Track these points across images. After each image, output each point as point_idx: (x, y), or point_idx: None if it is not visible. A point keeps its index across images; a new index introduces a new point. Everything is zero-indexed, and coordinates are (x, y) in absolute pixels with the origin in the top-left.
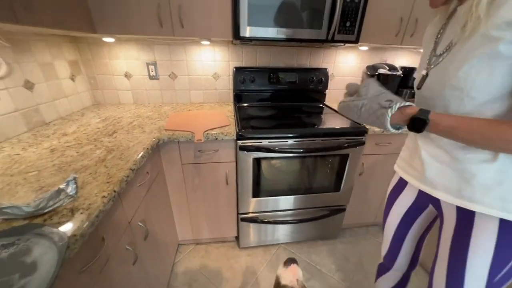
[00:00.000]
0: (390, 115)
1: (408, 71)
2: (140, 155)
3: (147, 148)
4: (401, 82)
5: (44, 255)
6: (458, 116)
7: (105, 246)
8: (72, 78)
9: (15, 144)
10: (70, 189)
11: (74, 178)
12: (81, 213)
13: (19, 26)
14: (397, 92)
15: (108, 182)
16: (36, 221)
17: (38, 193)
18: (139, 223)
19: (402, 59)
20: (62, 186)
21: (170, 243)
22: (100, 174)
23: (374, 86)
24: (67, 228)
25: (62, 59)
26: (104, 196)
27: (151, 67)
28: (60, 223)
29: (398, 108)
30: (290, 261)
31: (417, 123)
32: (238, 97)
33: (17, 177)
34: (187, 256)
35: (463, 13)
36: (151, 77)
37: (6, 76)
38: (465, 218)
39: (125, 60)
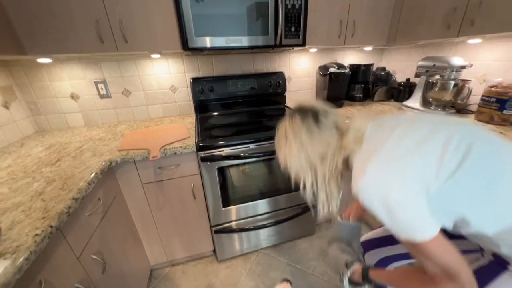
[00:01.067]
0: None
1: (356, 68)
2: (87, 181)
3: (96, 173)
4: (351, 79)
5: None
6: (390, 272)
7: None
8: (6, 106)
9: None
10: None
11: None
12: (5, 258)
13: None
14: (349, 88)
15: (43, 218)
16: None
17: None
18: (93, 256)
19: (349, 57)
20: None
21: (140, 269)
22: (35, 210)
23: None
24: None
25: None
26: (36, 235)
27: (101, 85)
28: None
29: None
30: (284, 280)
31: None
32: (199, 108)
33: None
34: (163, 280)
35: None
36: (101, 96)
37: None
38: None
39: (69, 81)
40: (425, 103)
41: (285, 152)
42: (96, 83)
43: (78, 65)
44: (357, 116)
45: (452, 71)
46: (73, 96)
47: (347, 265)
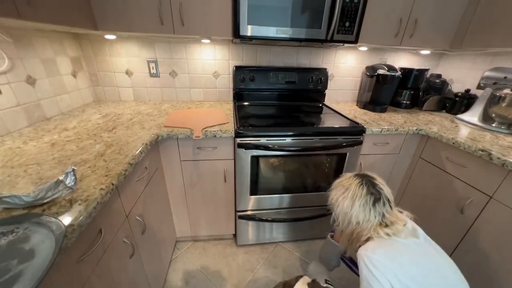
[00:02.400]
0: None
1: (407, 72)
2: (139, 150)
3: (146, 144)
4: (400, 83)
5: (42, 243)
6: None
7: (103, 237)
8: (74, 75)
9: (16, 138)
10: (69, 181)
11: (73, 170)
12: (79, 204)
13: (21, 21)
14: (396, 93)
15: (106, 176)
16: (35, 211)
17: (38, 185)
18: (137, 218)
19: (401, 60)
20: (61, 178)
21: (168, 239)
22: (99, 168)
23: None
24: (65, 218)
25: (64, 56)
26: (102, 189)
27: (152, 64)
28: (59, 213)
29: None
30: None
31: None
32: (237, 96)
33: (18, 169)
34: (185, 252)
35: None
36: (151, 75)
37: (9, 71)
38: None
39: (126, 58)
40: (486, 118)
41: (338, 196)
42: (148, 62)
43: (136, 44)
44: (401, 226)
45: None
46: (128, 72)
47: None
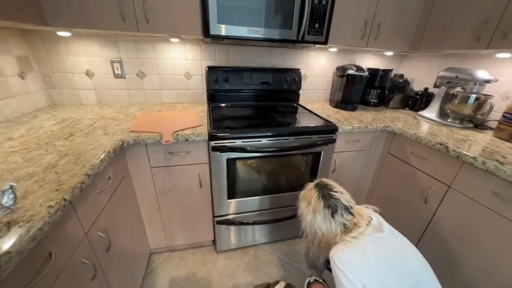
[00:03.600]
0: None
1: (374, 72)
2: (99, 159)
3: (108, 151)
4: (368, 83)
5: None
6: None
7: (53, 261)
8: (22, 76)
9: None
10: (6, 200)
11: (11, 187)
12: (20, 226)
13: None
14: (365, 92)
15: (57, 190)
16: None
17: None
18: (100, 234)
19: (368, 61)
20: None
21: (140, 252)
22: (49, 182)
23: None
24: (0, 245)
25: (8, 54)
26: (50, 206)
27: (116, 65)
28: None
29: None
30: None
31: None
32: (211, 97)
33: None
34: (161, 264)
35: None
36: (116, 76)
37: None
38: None
39: (85, 57)
40: (442, 114)
41: (303, 210)
42: (112, 62)
43: (96, 42)
44: (364, 225)
45: (475, 84)
46: (88, 73)
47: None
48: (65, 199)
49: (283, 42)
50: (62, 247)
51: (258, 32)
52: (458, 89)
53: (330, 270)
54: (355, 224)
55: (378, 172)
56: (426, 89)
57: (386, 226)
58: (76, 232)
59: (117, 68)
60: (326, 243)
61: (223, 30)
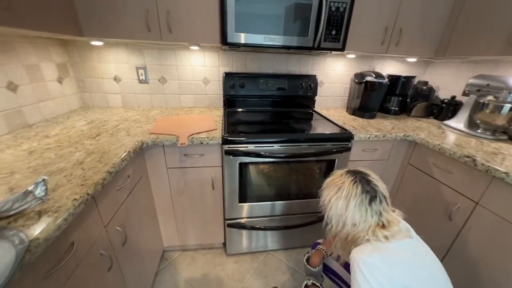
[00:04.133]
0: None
1: (395, 79)
2: (120, 158)
3: (129, 151)
4: (388, 90)
5: (1, 259)
6: None
7: (75, 250)
8: (60, 81)
9: None
10: (39, 191)
11: (43, 180)
12: (49, 216)
13: (1, 27)
14: (385, 99)
15: (82, 185)
16: None
17: (7, 195)
18: (117, 228)
19: (389, 67)
20: (30, 188)
21: (153, 249)
22: (75, 177)
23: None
24: (31, 231)
25: (50, 61)
26: (75, 199)
27: (141, 71)
28: (25, 226)
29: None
30: None
31: None
32: (228, 102)
33: None
34: (173, 263)
35: None
36: (140, 81)
37: None
38: None
39: (114, 64)
40: (472, 125)
41: (331, 197)
42: (137, 68)
43: (124, 50)
44: (397, 226)
45: (510, 93)
46: (116, 79)
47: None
48: (88, 194)
49: (299, 49)
50: (83, 238)
51: (274, 40)
52: (490, 97)
53: (330, 278)
54: (388, 221)
55: (397, 183)
56: (453, 97)
57: (414, 233)
58: (96, 225)
59: (141, 74)
60: (354, 237)
61: (240, 38)
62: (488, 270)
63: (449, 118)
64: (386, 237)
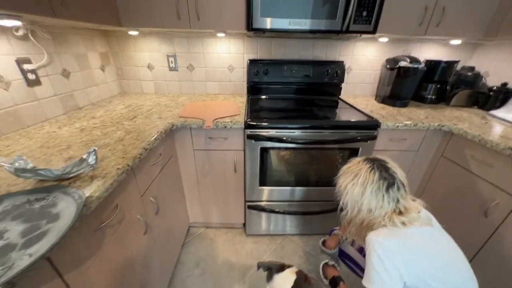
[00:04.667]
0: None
1: (434, 65)
2: (154, 137)
3: (161, 132)
4: (425, 76)
5: (66, 209)
6: None
7: (118, 211)
8: (102, 69)
9: (53, 123)
10: (91, 160)
11: (94, 150)
12: (98, 180)
13: (56, 19)
14: (420, 87)
15: (123, 158)
16: (62, 183)
17: (67, 162)
18: (151, 199)
19: (429, 51)
20: (84, 156)
21: (181, 222)
22: (118, 151)
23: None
24: (86, 190)
25: (94, 51)
26: (118, 168)
27: (171, 59)
28: (81, 186)
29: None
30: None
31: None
32: (251, 89)
33: (52, 149)
34: (197, 237)
35: None
36: (171, 69)
37: (47, 64)
38: None
39: (148, 53)
40: None
41: (347, 183)
42: (168, 56)
43: (156, 39)
44: (416, 213)
45: None
46: (149, 66)
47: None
48: (128, 165)
49: (326, 33)
50: (125, 203)
51: (299, 24)
52: None
53: (346, 264)
54: (405, 208)
55: (428, 176)
56: (504, 84)
57: (436, 222)
58: (135, 193)
59: (171, 61)
60: (370, 222)
61: (266, 23)
62: None
63: (497, 107)
64: (403, 223)
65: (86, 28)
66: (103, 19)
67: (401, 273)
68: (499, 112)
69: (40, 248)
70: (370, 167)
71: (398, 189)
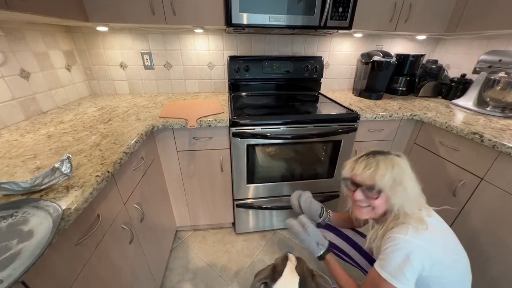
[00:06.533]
0: (320, 253)
1: (403, 58)
2: (134, 140)
3: (141, 134)
4: (396, 70)
5: (40, 225)
6: (340, 269)
7: (100, 222)
8: (68, 68)
9: (14, 131)
10: (65, 168)
11: (68, 157)
12: (76, 190)
13: (9, 12)
14: (392, 80)
15: (102, 164)
16: (33, 196)
17: (35, 173)
18: (135, 206)
19: (398, 46)
20: (57, 165)
21: (167, 227)
22: (95, 157)
23: (312, 227)
24: (62, 202)
25: (57, 49)
26: (97, 176)
27: (146, 56)
28: (56, 198)
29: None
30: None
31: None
32: (233, 86)
33: (15, 160)
34: (186, 241)
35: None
36: (146, 67)
37: (2, 64)
38: None
39: (119, 50)
40: (481, 103)
41: (395, 175)
42: (142, 54)
43: (129, 36)
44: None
45: None
46: (122, 65)
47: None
48: (108, 171)
49: (305, 29)
50: (107, 212)
51: (279, 20)
52: (501, 74)
53: (334, 253)
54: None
55: None
56: (463, 75)
57: (433, 210)
58: (117, 201)
59: (146, 59)
60: (405, 216)
61: (244, 18)
62: (491, 244)
63: (458, 97)
64: (427, 216)
65: (46, 24)
66: (65, 13)
67: (424, 267)
68: (460, 101)
69: (12, 272)
70: (397, 155)
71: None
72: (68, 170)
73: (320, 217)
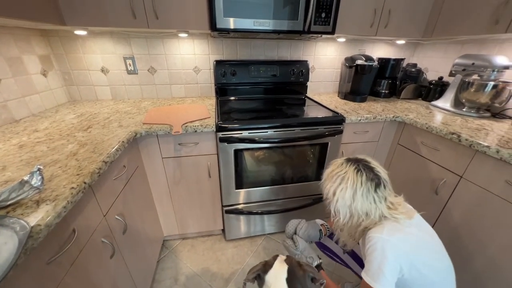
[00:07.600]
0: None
1: (385, 62)
2: (115, 148)
3: (123, 142)
4: (378, 73)
5: (4, 245)
6: (332, 283)
7: (76, 237)
8: (44, 74)
9: None
10: (35, 181)
11: (39, 169)
12: (47, 204)
13: None
14: (375, 83)
15: (78, 175)
16: None
17: (2, 187)
18: (117, 217)
19: (379, 50)
20: (26, 178)
21: (153, 238)
22: (70, 167)
23: (302, 243)
24: (31, 218)
25: (32, 54)
26: (73, 188)
27: (129, 61)
28: (24, 214)
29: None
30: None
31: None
32: (220, 91)
33: None
34: (174, 251)
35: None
36: (129, 72)
37: None
38: None
39: (100, 55)
40: (457, 104)
41: (335, 188)
42: (125, 58)
43: (110, 40)
44: (405, 207)
45: (493, 71)
46: (103, 70)
47: (311, 259)
48: (85, 182)
49: (290, 34)
50: (84, 226)
51: (264, 24)
52: (475, 76)
53: (324, 253)
54: (392, 204)
55: (388, 163)
56: (440, 78)
57: (415, 211)
58: (96, 213)
59: (129, 64)
60: (367, 225)
61: (229, 23)
62: (471, 240)
63: (437, 98)
64: (401, 213)
65: (18, 27)
66: (39, 16)
67: (402, 267)
68: (439, 102)
69: None
70: (355, 168)
71: (384, 187)
72: (39, 183)
73: (320, 238)
